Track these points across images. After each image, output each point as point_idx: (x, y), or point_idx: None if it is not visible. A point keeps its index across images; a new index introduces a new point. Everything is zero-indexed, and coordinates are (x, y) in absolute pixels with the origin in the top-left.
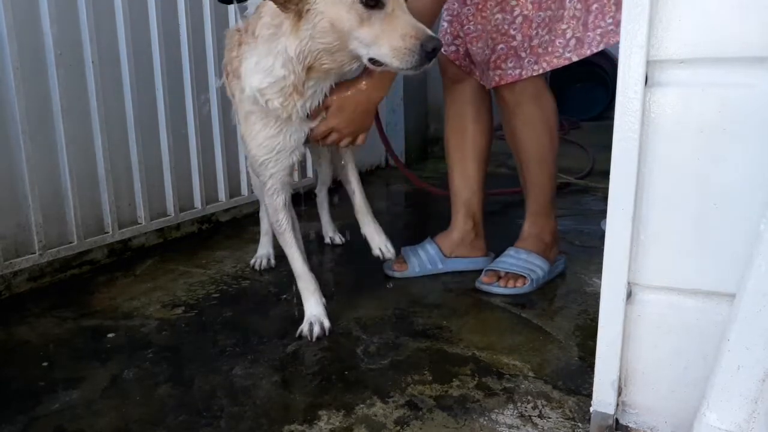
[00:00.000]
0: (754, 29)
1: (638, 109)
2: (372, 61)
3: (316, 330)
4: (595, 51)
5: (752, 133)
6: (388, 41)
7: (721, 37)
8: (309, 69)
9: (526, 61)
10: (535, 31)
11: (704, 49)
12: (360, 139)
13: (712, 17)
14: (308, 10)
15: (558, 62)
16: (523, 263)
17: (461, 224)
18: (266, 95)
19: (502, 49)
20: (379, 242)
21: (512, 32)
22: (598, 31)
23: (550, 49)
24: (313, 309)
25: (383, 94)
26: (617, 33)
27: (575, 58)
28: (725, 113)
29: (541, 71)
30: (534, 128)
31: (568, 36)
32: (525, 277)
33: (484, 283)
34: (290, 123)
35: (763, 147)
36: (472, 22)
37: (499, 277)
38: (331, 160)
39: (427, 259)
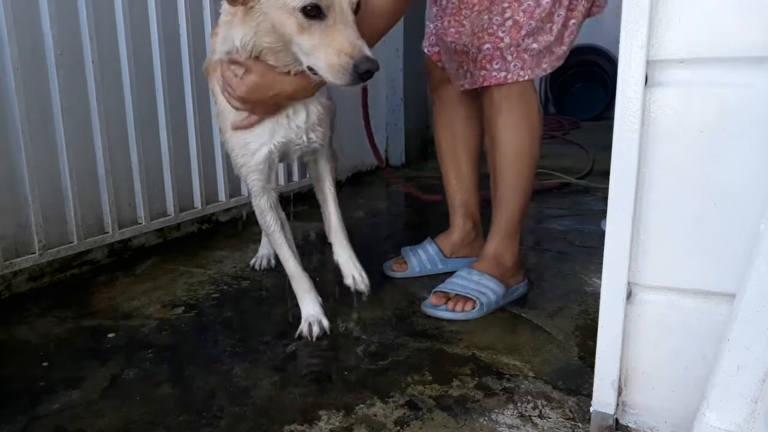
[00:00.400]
0: (754, 29)
1: (638, 109)
2: (310, 69)
3: (316, 330)
4: (558, 65)
5: (752, 133)
6: (324, 54)
7: (721, 37)
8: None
9: (512, 65)
10: (522, 39)
11: (704, 49)
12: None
13: (712, 17)
14: (252, 7)
15: (540, 72)
16: (474, 285)
17: (461, 225)
18: None
19: (488, 49)
20: (352, 270)
21: (500, 34)
22: (563, 48)
23: (536, 58)
24: (310, 309)
25: (305, 96)
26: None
27: (550, 70)
28: (725, 113)
29: (526, 77)
30: (515, 130)
31: (548, 46)
32: (474, 300)
33: (432, 305)
34: (274, 123)
35: (763, 147)
36: (453, 23)
37: (448, 299)
38: (307, 171)
39: (427, 259)
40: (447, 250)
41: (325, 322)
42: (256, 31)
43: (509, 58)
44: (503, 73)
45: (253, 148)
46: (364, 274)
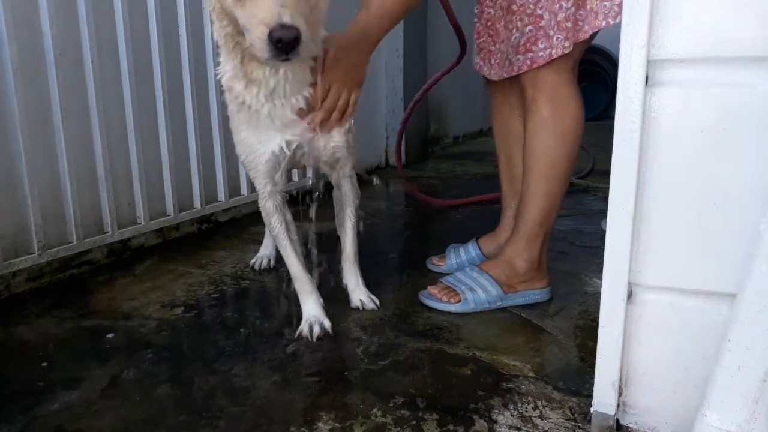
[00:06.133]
0: (754, 29)
1: (639, 109)
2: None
3: (317, 330)
4: (611, 23)
5: (753, 133)
6: (251, 27)
7: (721, 37)
8: (242, 57)
9: (554, 39)
10: (558, 5)
11: (705, 48)
12: (354, 96)
13: (713, 17)
14: None
15: (582, 36)
16: (469, 281)
17: (508, 226)
18: (233, 90)
19: (530, 30)
20: (360, 296)
21: (539, 12)
22: (617, 0)
23: (580, 23)
24: (311, 309)
25: (373, 42)
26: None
27: (591, 30)
28: (726, 113)
29: (571, 48)
30: (541, 133)
31: (589, 6)
32: (459, 294)
33: (428, 293)
34: (268, 121)
35: (764, 147)
36: (491, 6)
37: (441, 290)
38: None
39: (466, 258)
40: (489, 251)
41: (327, 323)
42: (218, 17)
43: (551, 33)
44: (548, 51)
45: (259, 149)
46: (371, 296)
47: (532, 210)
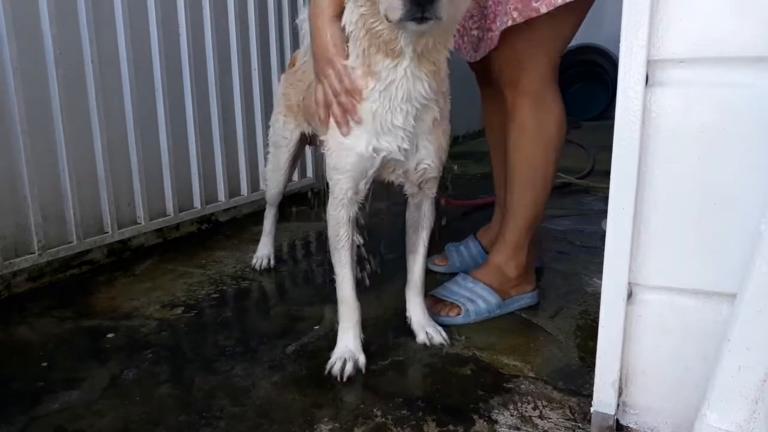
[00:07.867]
0: (753, 29)
1: (639, 109)
2: (386, 17)
3: (349, 368)
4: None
5: (752, 133)
6: None
7: (721, 37)
8: (369, 45)
9: (510, 6)
10: None
11: (704, 48)
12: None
13: (713, 17)
14: None
15: (537, 6)
16: (465, 292)
17: (500, 219)
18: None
19: (491, 7)
20: (427, 327)
21: None
22: None
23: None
24: (349, 342)
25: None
26: None
27: (543, 10)
28: (725, 113)
29: (521, 19)
30: (524, 141)
31: None
32: (460, 306)
33: None
34: (368, 117)
35: (763, 147)
36: None
37: (437, 304)
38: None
39: (468, 255)
40: (489, 245)
41: (361, 359)
42: None
43: (509, 8)
44: (504, 18)
45: (347, 146)
46: (439, 328)
47: (519, 218)
